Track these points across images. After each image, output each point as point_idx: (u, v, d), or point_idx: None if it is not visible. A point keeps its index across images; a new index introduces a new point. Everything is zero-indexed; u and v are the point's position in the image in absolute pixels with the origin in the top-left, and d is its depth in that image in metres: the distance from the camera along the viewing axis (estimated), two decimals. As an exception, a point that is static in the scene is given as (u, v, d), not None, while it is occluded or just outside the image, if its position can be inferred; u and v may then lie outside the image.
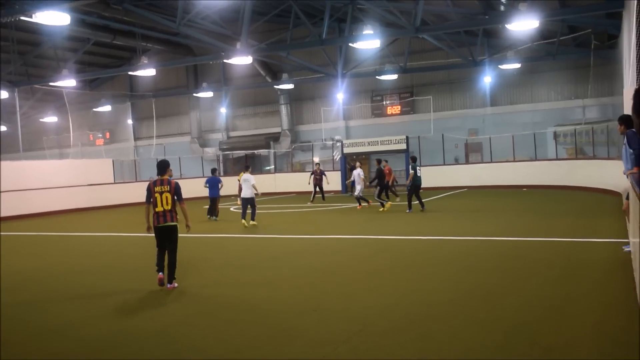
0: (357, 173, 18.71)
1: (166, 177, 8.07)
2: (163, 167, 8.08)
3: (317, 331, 5.63)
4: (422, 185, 17.27)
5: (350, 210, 18.34)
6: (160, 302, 7.28)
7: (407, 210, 16.72)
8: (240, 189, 23.68)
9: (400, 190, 26.54)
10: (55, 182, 23.97)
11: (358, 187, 18.53)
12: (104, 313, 6.80)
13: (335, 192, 23.61)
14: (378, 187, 18.30)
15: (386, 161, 23.34)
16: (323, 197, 23.25)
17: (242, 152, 34.81)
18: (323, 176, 23.55)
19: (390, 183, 21.82)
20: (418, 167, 17.05)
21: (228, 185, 20.50)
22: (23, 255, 12.46)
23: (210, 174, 18.74)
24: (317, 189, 23.15)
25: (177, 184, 8.04)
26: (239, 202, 23.19)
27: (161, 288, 7.85)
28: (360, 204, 18.78)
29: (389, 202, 18.05)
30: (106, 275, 9.39)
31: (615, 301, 6.11)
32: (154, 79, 33.38)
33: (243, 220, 15.30)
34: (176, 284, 7.89)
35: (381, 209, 17.63)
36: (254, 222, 15.26)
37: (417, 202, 16.95)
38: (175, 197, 7.98)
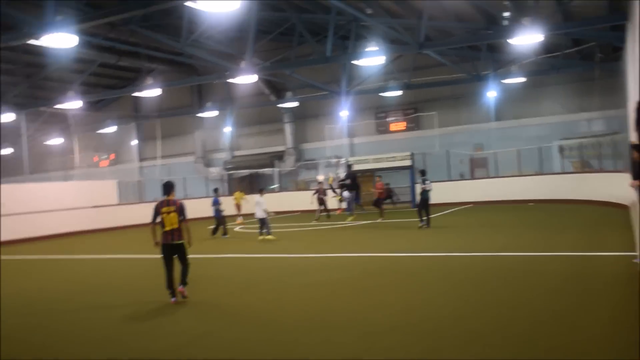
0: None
1: (172, 197, 8.40)
2: (168, 187, 8.45)
3: (326, 349, 5.56)
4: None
5: (356, 228, 18.23)
6: (169, 321, 7.23)
7: (420, 225, 16.57)
8: (237, 208, 23.99)
9: (404, 206, 26.45)
10: (60, 204, 23.94)
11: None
12: (113, 333, 6.74)
13: (341, 210, 23.55)
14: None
15: (380, 177, 23.42)
16: (328, 215, 22.98)
17: (246, 172, 34.79)
18: (329, 192, 23.60)
19: (382, 199, 22.05)
20: (428, 181, 16.78)
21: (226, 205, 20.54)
22: (28, 278, 12.39)
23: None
24: (322, 207, 22.97)
25: (182, 203, 8.39)
26: (239, 220, 23.32)
27: (170, 305, 8.02)
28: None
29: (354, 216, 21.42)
30: (113, 296, 9.32)
31: (625, 314, 5.98)
32: (158, 99, 33.52)
33: (260, 237, 16.66)
34: (186, 293, 8.12)
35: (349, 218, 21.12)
36: (271, 237, 16.27)
37: (426, 217, 16.72)
38: (180, 217, 8.24)
